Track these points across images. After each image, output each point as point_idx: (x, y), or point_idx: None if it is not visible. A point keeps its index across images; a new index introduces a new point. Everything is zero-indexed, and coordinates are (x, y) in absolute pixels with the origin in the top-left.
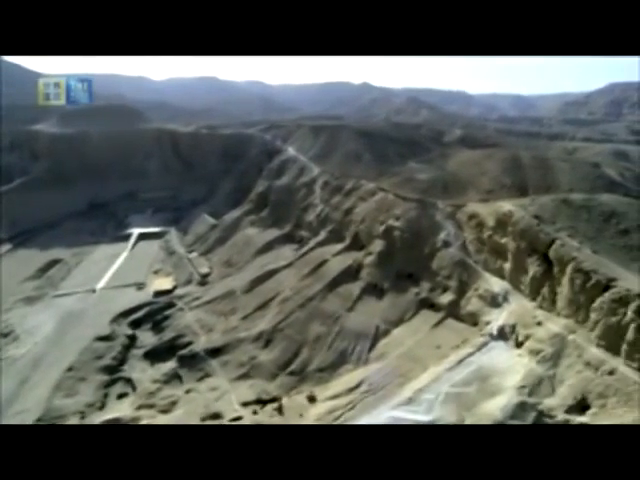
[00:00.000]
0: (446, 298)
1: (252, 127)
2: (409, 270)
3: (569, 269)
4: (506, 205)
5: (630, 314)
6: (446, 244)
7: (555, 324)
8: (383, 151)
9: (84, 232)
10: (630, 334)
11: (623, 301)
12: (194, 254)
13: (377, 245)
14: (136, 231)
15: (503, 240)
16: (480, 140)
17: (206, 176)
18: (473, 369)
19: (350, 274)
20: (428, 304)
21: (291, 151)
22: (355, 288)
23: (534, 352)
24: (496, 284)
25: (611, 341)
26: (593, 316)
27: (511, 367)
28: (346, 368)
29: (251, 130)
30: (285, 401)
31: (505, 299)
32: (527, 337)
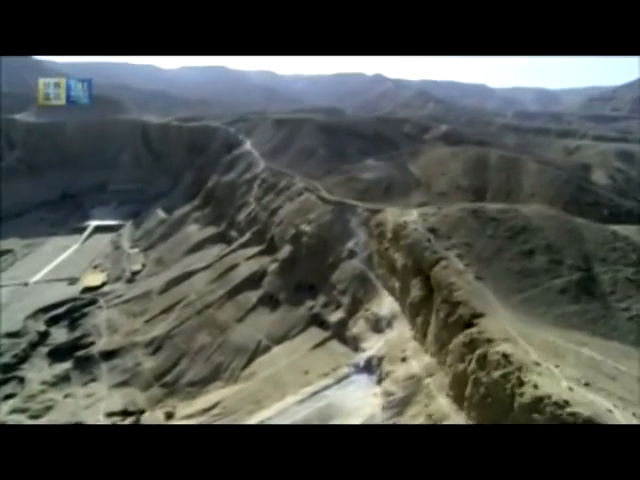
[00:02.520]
0: (336, 316)
1: (243, 118)
2: (311, 281)
3: (439, 298)
4: (413, 213)
5: (473, 364)
6: (351, 254)
7: (419, 362)
8: (342, 147)
9: (47, 223)
10: (468, 388)
11: (472, 346)
12: (135, 250)
13: (284, 251)
14: (93, 224)
15: (396, 255)
16: (464, 137)
17: (173, 169)
18: (322, 405)
19: (254, 281)
20: (319, 321)
21: (247, 145)
22: (253, 297)
23: (387, 394)
24: (387, 305)
25: (458, 392)
26: (449, 359)
27: (359, 409)
28: (216, 385)
29: (217, 123)
30: (146, 415)
31: (389, 324)
32: (387, 374)
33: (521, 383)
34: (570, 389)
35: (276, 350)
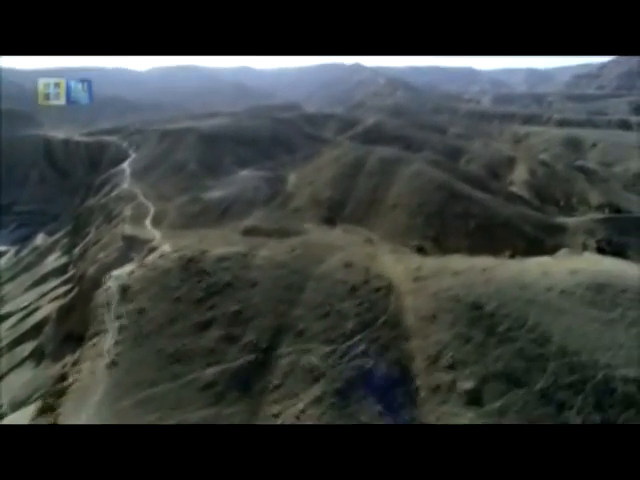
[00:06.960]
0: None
1: (138, 130)
2: (81, 332)
3: None
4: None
5: None
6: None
7: None
8: (220, 158)
9: None
10: None
11: None
12: None
13: (69, 296)
14: None
15: None
16: (386, 132)
17: (76, 188)
18: None
19: (39, 329)
20: None
21: (124, 163)
22: (28, 349)
23: None
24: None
25: None
26: None
27: None
28: None
29: (114, 137)
30: None
31: None
32: None
33: None
34: None
35: (10, 418)
